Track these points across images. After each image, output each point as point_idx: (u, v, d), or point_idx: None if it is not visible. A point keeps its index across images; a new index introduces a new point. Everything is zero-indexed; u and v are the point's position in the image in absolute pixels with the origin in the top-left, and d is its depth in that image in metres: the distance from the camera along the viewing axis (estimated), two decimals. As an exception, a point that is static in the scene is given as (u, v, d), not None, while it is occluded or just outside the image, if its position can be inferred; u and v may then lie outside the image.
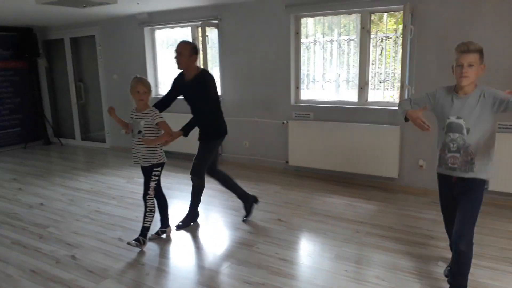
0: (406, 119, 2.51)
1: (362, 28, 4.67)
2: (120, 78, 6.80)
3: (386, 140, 4.52)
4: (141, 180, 5.16)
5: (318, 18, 5.03)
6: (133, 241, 3.19)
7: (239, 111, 5.64)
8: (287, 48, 5.09)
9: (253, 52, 5.37)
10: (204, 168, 3.62)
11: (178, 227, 3.69)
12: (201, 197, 3.77)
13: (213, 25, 5.57)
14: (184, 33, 6.17)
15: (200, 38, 5.67)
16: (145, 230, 3.28)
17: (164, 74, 6.56)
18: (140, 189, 4.74)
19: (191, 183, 3.67)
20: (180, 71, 3.55)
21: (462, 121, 2.33)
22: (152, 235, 3.46)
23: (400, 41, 4.46)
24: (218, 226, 3.84)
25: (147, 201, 3.27)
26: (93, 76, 7.27)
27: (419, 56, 4.28)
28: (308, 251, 3.31)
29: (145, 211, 3.27)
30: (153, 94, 6.40)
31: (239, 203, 4.25)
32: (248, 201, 3.84)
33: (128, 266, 3.01)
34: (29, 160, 6.60)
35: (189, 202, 3.76)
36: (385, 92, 4.87)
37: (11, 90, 7.34)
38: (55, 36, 7.55)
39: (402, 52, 4.14)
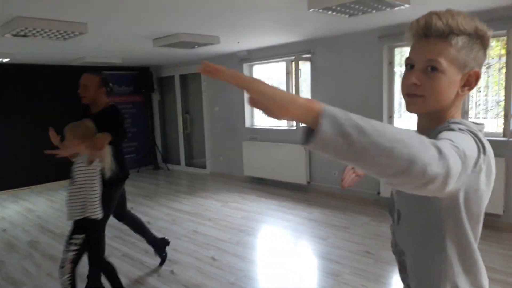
0: None
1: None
2: (221, 110, 7.38)
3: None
4: (235, 204, 5.55)
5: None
6: None
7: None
8: (379, 78, 5.08)
9: (344, 83, 5.46)
10: (124, 209, 3.48)
11: (160, 264, 3.64)
12: (151, 231, 3.61)
13: (306, 59, 5.81)
14: (279, 67, 6.52)
15: (294, 72, 5.94)
16: None
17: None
18: (234, 213, 5.10)
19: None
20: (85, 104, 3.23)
21: (395, 194, 1.17)
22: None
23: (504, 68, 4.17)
24: (305, 253, 3.90)
25: (60, 275, 2.53)
26: (198, 108, 8.00)
27: (526, 83, 3.94)
28: (395, 285, 3.20)
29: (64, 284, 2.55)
30: (248, 124, 6.90)
31: (326, 232, 4.29)
32: (158, 246, 3.63)
33: (219, 284, 3.23)
34: (140, 183, 7.42)
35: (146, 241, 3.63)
36: (490, 121, 4.54)
37: (130, 121, 8.41)
38: (167, 74, 8.53)
39: (506, 79, 3.88)
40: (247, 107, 6.92)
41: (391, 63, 5.07)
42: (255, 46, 6.24)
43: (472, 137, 0.89)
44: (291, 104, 0.72)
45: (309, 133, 0.73)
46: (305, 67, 5.95)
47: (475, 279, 1.01)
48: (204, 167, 8.00)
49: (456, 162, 0.76)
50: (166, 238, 3.72)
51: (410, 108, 1.03)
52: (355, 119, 0.74)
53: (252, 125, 6.97)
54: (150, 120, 8.84)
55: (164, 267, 3.60)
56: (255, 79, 0.73)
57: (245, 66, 6.81)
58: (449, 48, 0.94)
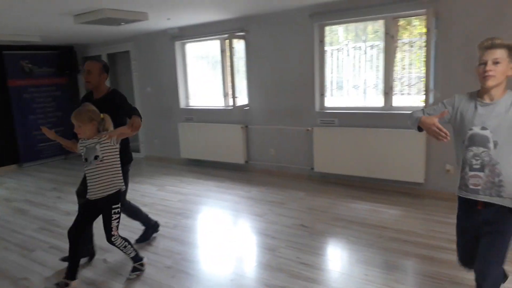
0: (420, 129, 2.11)
1: (387, 33, 4.67)
2: (153, 90, 7.11)
3: (411, 144, 4.47)
4: (172, 187, 5.43)
5: (345, 25, 5.08)
6: (133, 273, 3.04)
7: (265, 119, 5.75)
8: (311, 56, 5.16)
9: (278, 61, 5.49)
10: (123, 195, 3.32)
11: (138, 241, 3.64)
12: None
13: (239, 37, 5.74)
14: (213, 46, 6.38)
15: (228, 50, 5.85)
16: (134, 259, 3.06)
17: (195, 85, 6.79)
18: (171, 197, 4.99)
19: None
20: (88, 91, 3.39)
21: (488, 132, 1.92)
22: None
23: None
24: (243, 231, 3.93)
25: (115, 243, 2.90)
26: (128, 89, 7.63)
27: (444, 60, 4.22)
28: (329, 256, 3.34)
29: (121, 249, 2.98)
30: (183, 105, 6.73)
31: (263, 209, 4.35)
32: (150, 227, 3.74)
33: (155, 269, 3.16)
34: (69, 170, 7.00)
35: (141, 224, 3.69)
36: (413, 97, 4.83)
37: (54, 105, 7.83)
38: (93, 53, 8.01)
39: (426, 56, 4.11)
40: (181, 87, 6.73)
41: (322, 41, 5.17)
42: (187, 23, 6.04)
43: None
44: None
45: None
46: (239, 45, 5.88)
47: None
48: (138, 150, 7.72)
49: None
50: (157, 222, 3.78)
51: (487, 82, 1.92)
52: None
53: (187, 106, 6.80)
54: (76, 103, 8.27)
55: (96, 256, 3.43)
56: None
57: (177, 44, 6.58)
58: (504, 53, 1.91)
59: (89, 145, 2.78)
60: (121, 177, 2.88)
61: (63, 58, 7.70)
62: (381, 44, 4.80)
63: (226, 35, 5.81)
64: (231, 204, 4.65)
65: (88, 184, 2.81)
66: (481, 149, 1.93)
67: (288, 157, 5.63)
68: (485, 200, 1.95)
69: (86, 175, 2.82)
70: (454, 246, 3.08)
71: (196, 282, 2.94)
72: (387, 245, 3.32)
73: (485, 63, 1.89)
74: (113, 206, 2.85)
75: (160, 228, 3.96)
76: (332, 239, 3.59)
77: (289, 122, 5.53)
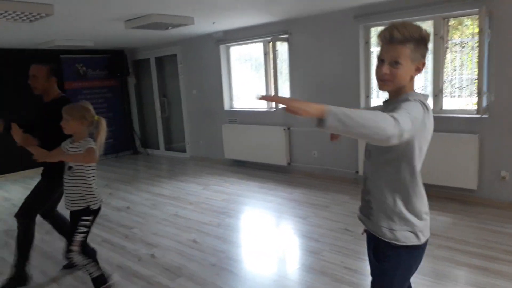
0: None
1: (436, 34, 4.51)
2: (199, 93, 7.29)
3: (463, 149, 4.28)
4: (216, 187, 5.54)
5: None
6: None
7: (308, 121, 5.70)
8: (356, 58, 5.09)
9: (322, 63, 5.45)
10: (36, 211, 3.09)
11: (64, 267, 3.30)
12: (92, 250, 3.20)
13: (283, 40, 5.76)
14: (256, 48, 6.44)
15: (271, 53, 5.89)
16: (96, 281, 2.70)
17: (239, 88, 6.89)
18: (215, 196, 5.09)
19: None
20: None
21: (369, 146, 1.62)
22: None
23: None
24: (286, 233, 3.94)
25: (73, 259, 2.62)
26: (175, 91, 7.87)
27: (498, 61, 4.02)
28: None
29: (83, 267, 2.69)
30: (227, 107, 6.84)
31: (307, 211, 4.34)
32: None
33: (200, 266, 3.24)
34: (119, 168, 7.31)
35: (14, 257, 3.10)
36: (464, 100, 4.63)
37: (105, 106, 8.22)
38: (142, 56, 8.33)
39: (479, 57, 3.93)
40: (225, 89, 6.85)
41: (367, 43, 5.08)
42: (231, 27, 6.14)
43: (420, 103, 1.43)
44: (309, 108, 1.23)
45: (320, 122, 1.22)
46: (282, 48, 5.90)
47: (422, 202, 1.60)
48: (184, 151, 7.93)
49: (407, 123, 1.28)
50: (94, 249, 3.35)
51: (383, 88, 1.52)
52: (344, 111, 1.21)
53: (231, 108, 6.91)
54: (126, 104, 8.66)
55: (144, 251, 3.57)
56: (289, 98, 1.26)
57: (222, 48, 6.70)
58: (405, 50, 1.43)
59: (71, 151, 2.55)
60: (92, 194, 2.57)
61: (114, 62, 8.07)
62: (429, 45, 4.64)
63: (269, 38, 5.85)
64: (274, 205, 4.67)
65: (64, 194, 2.64)
66: (366, 163, 1.65)
67: (332, 159, 5.57)
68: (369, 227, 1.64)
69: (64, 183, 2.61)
70: (510, 257, 2.92)
71: (240, 281, 2.99)
72: (436, 253, 3.20)
73: (382, 61, 1.47)
74: (82, 217, 2.58)
75: (205, 226, 4.06)
76: (377, 244, 3.51)
77: (333, 125, 5.46)
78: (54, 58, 7.38)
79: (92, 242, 3.85)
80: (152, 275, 3.13)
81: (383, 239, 1.54)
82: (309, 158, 5.83)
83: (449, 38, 4.57)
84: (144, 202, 5.07)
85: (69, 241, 2.80)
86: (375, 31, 5.07)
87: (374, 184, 1.58)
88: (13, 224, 4.56)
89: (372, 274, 1.65)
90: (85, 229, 2.61)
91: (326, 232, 3.77)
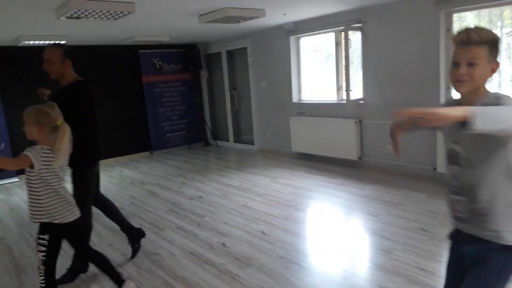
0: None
1: (530, 17, 4.07)
2: (268, 85, 7.32)
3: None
4: (284, 180, 5.55)
5: (477, 11, 4.57)
6: None
7: (381, 114, 5.49)
8: (436, 46, 4.76)
9: (398, 52, 5.18)
10: (87, 204, 3.00)
11: (132, 256, 3.45)
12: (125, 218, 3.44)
13: (356, 29, 5.56)
14: (327, 39, 6.30)
15: (343, 43, 5.73)
16: None
17: (308, 80, 6.81)
18: (283, 189, 5.11)
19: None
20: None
21: (458, 148, 1.56)
22: None
23: None
24: (356, 230, 3.84)
25: (39, 275, 2.38)
26: (245, 84, 7.99)
27: None
28: (453, 264, 3.07)
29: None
30: (296, 99, 6.80)
31: (378, 209, 4.19)
32: (132, 235, 3.44)
33: (269, 257, 3.27)
34: (192, 159, 7.62)
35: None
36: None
37: (179, 99, 8.59)
38: (214, 50, 8.56)
39: None
40: (294, 81, 6.80)
41: (449, 30, 4.72)
42: (302, 18, 6.06)
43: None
44: (454, 112, 1.20)
45: (465, 125, 1.20)
46: (355, 37, 5.70)
47: None
48: (252, 143, 8.05)
49: None
50: (143, 229, 3.54)
51: (460, 89, 1.51)
52: (482, 109, 1.23)
53: (300, 100, 6.85)
54: (199, 97, 8.97)
55: (215, 239, 3.69)
56: (428, 108, 1.24)
57: (292, 39, 6.65)
58: (482, 51, 1.44)
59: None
60: (40, 211, 2.31)
61: (187, 55, 8.38)
62: None
63: (342, 27, 5.68)
64: (343, 201, 4.56)
65: None
66: (456, 167, 1.59)
67: (407, 155, 5.30)
68: (473, 233, 1.57)
69: None
70: None
71: (308, 274, 2.97)
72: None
73: (458, 64, 1.48)
74: (39, 236, 2.36)
75: (273, 218, 4.09)
76: (456, 246, 3.29)
77: (408, 118, 5.18)
78: (133, 53, 7.86)
79: (167, 228, 4.08)
80: (222, 263, 3.22)
81: (502, 243, 1.50)
82: (381, 152, 5.60)
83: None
84: (215, 192, 5.23)
85: (120, 225, 3.28)
86: (457, 17, 4.70)
87: (482, 190, 1.51)
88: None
89: (466, 284, 1.55)
90: (43, 248, 2.33)
91: (399, 231, 3.60)
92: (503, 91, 4.43)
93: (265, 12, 4.97)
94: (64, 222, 2.37)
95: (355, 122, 5.76)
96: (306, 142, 6.57)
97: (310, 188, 5.10)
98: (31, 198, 2.32)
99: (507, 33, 4.37)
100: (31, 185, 2.30)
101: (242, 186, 5.45)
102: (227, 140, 8.74)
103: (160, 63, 8.24)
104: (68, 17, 4.00)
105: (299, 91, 6.87)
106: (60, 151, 2.29)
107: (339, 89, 6.20)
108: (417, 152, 5.15)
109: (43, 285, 2.36)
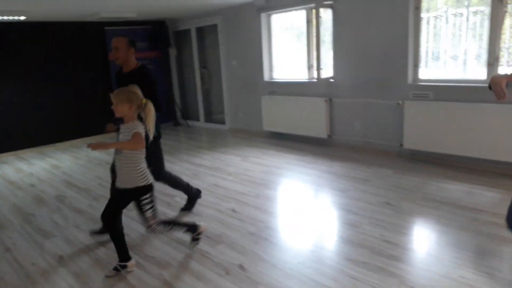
0: (490, 87, 2.12)
1: (494, -4, 4.17)
2: (239, 63, 7.24)
3: (519, 122, 4.01)
4: (255, 159, 5.56)
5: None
6: (193, 243, 3.08)
7: (351, 92, 5.55)
8: (405, 24, 4.81)
9: (368, 31, 5.21)
10: (163, 168, 3.64)
11: (183, 209, 3.88)
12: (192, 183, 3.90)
13: (327, 6, 5.54)
14: (298, 16, 6.26)
15: (314, 20, 5.70)
16: (190, 228, 3.04)
17: (279, 58, 6.77)
18: (254, 168, 5.12)
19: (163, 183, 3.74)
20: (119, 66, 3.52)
21: None
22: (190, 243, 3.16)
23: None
24: (325, 205, 3.91)
25: (156, 230, 2.85)
26: (215, 62, 7.87)
27: None
28: (416, 236, 3.19)
29: (168, 231, 3.00)
30: (267, 78, 6.77)
31: (346, 185, 4.27)
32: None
33: (240, 234, 3.29)
34: (162, 139, 7.48)
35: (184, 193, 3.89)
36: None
37: (148, 78, 8.38)
38: (183, 27, 8.35)
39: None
40: (265, 59, 6.75)
41: (417, 8, 4.77)
42: (272, -5, 5.97)
43: None
44: None
45: None
46: (326, 15, 5.68)
47: None
48: (223, 122, 7.99)
49: None
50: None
51: None
52: None
53: (271, 79, 6.83)
54: (168, 76, 8.78)
55: (186, 218, 3.68)
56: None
57: (263, 16, 6.57)
58: None
59: (121, 131, 2.71)
60: (142, 175, 2.68)
61: (156, 33, 8.14)
62: (486, 9, 4.30)
63: (313, 5, 5.65)
64: (313, 178, 4.63)
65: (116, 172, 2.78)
66: None
67: (375, 132, 5.41)
68: None
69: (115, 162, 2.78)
70: None
71: (278, 250, 3.01)
72: (482, 229, 3.07)
73: None
74: (141, 198, 2.73)
75: (244, 197, 4.11)
76: (420, 219, 3.41)
77: (377, 95, 5.27)
78: (99, 30, 7.57)
79: (133, 209, 4.02)
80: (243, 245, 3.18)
81: None
82: (350, 130, 5.69)
83: (508, 2, 4.20)
84: (185, 172, 5.19)
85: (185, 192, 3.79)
86: (427, -5, 4.75)
87: None
88: (64, 190, 4.84)
89: None
90: (149, 206, 2.77)
91: (365, 205, 3.70)
92: (472, 70, 4.57)
93: (234, -12, 4.87)
94: (150, 183, 2.75)
95: (325, 100, 5.80)
96: (278, 120, 6.58)
97: (281, 167, 5.14)
98: (128, 167, 2.66)
99: (473, 12, 4.46)
100: (131, 155, 2.65)
101: (213, 165, 5.43)
102: (198, 120, 8.65)
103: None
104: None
105: (271, 70, 6.83)
106: (150, 125, 2.67)
107: (310, 67, 6.20)
108: (384, 129, 5.26)
109: (178, 228, 2.97)
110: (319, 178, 4.60)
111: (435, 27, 4.81)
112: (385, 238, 3.04)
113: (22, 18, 6.17)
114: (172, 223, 2.94)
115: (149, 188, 2.74)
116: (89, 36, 7.55)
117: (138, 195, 2.72)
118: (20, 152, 6.99)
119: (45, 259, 3.11)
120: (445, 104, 4.56)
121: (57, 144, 7.37)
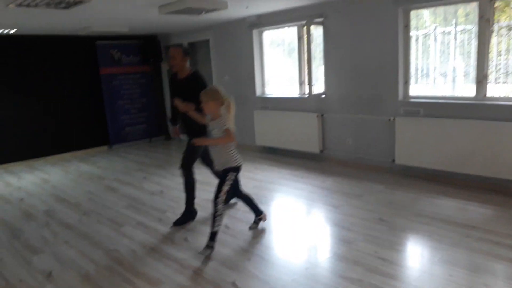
0: None
1: (481, 17, 4.26)
2: (231, 79, 7.26)
3: (507, 138, 4.06)
4: (247, 173, 5.52)
5: (433, 8, 4.73)
6: (204, 250, 3.20)
7: (342, 108, 5.59)
8: (395, 42, 4.89)
9: (358, 47, 5.28)
10: (192, 162, 3.85)
11: (175, 224, 3.85)
12: (197, 193, 4.01)
13: (318, 23, 5.62)
14: (290, 33, 6.33)
15: (305, 37, 5.77)
16: (213, 235, 3.24)
17: (271, 73, 6.81)
18: (247, 183, 5.07)
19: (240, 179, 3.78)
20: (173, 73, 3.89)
21: None
22: (252, 225, 3.67)
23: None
24: (318, 221, 3.90)
25: (217, 205, 3.21)
26: (207, 77, 7.82)
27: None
28: (409, 253, 3.18)
29: (214, 216, 3.23)
30: (259, 93, 6.79)
31: (339, 200, 4.27)
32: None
33: (232, 251, 3.25)
34: (153, 153, 7.45)
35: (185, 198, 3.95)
36: (511, 86, 4.38)
37: (139, 92, 8.36)
38: (175, 41, 8.37)
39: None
40: (257, 75, 6.78)
41: (406, 26, 4.87)
42: (264, 11, 6.04)
43: None
44: None
45: None
46: (317, 32, 5.76)
47: None
48: (215, 136, 7.96)
49: None
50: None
51: None
52: None
53: (263, 94, 6.86)
54: (159, 90, 8.77)
55: (177, 234, 3.63)
56: None
57: (255, 32, 6.63)
58: None
59: (211, 127, 3.26)
60: (233, 158, 3.23)
61: (147, 47, 8.15)
62: (474, 28, 4.40)
63: (304, 22, 5.72)
64: (306, 193, 4.62)
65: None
66: None
67: (367, 147, 5.44)
68: None
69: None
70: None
71: (271, 267, 2.98)
72: (475, 245, 3.07)
73: None
74: (228, 174, 3.22)
75: (236, 212, 4.07)
76: (413, 235, 3.41)
77: (369, 111, 5.32)
78: (90, 44, 7.56)
79: (126, 224, 3.96)
80: (185, 258, 3.17)
81: None
82: (342, 145, 5.71)
83: (495, 21, 4.31)
84: (177, 187, 5.13)
85: (187, 202, 3.94)
86: (415, 14, 4.85)
87: None
88: (53, 204, 4.75)
89: None
90: (229, 182, 3.22)
91: (359, 221, 3.69)
92: (461, 87, 4.65)
93: (227, 4, 4.91)
94: (240, 164, 3.28)
95: (317, 115, 5.83)
96: (270, 135, 6.59)
97: (274, 181, 5.12)
98: (222, 153, 3.21)
99: (461, 31, 4.55)
100: (223, 144, 3.19)
101: (205, 180, 5.37)
102: (190, 134, 8.60)
103: (118, 54, 7.98)
104: (17, 5, 3.77)
105: (263, 85, 6.87)
106: (231, 120, 3.21)
107: (301, 83, 6.25)
108: (376, 145, 5.29)
109: (218, 220, 3.24)
110: (312, 193, 4.59)
111: (424, 44, 4.90)
112: (379, 255, 3.03)
113: (13, 31, 6.14)
114: (223, 214, 3.28)
115: (238, 168, 3.27)
116: (80, 49, 7.53)
117: (229, 170, 3.23)
118: (9, 166, 6.87)
119: (33, 276, 3.03)
120: (436, 121, 4.62)
121: (47, 157, 7.27)
